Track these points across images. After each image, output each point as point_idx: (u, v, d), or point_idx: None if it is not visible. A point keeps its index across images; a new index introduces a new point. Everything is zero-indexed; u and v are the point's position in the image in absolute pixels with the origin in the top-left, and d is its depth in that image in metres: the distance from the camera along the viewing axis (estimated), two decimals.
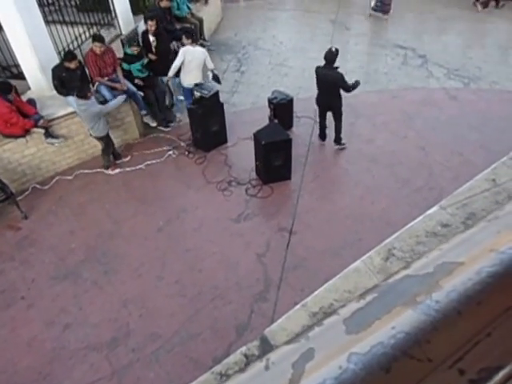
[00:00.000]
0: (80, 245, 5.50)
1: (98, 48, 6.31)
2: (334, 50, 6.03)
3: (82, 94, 5.85)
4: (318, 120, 6.84)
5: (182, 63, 6.86)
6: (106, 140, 6.35)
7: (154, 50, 7.05)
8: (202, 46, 9.34)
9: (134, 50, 6.78)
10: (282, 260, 5.11)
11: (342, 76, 6.01)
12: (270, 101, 6.91)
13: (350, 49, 9.41)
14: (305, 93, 8.03)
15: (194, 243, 5.40)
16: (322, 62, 6.11)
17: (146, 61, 6.97)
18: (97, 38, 6.36)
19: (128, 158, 6.84)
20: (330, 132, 6.80)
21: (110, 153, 6.60)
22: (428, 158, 6.52)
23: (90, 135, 6.42)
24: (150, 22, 6.93)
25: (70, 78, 6.10)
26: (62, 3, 7.66)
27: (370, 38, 9.92)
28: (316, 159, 6.61)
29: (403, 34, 10.12)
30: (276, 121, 6.72)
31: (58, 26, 6.95)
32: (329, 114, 6.60)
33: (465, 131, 7.02)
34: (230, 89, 8.31)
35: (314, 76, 6.32)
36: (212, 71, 7.07)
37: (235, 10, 11.67)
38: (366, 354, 0.56)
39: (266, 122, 6.83)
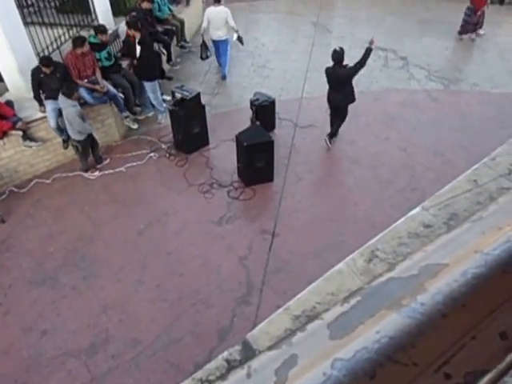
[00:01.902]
0: (58, 249, 5.38)
1: (85, 49, 6.24)
2: (338, 49, 6.11)
3: (69, 93, 5.75)
4: (329, 119, 6.88)
5: (208, 21, 8.04)
6: (83, 144, 6.23)
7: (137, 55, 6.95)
8: (183, 47, 9.34)
9: (100, 38, 6.62)
10: (264, 263, 5.09)
11: (350, 69, 6.13)
12: (251, 102, 6.90)
13: (332, 51, 9.46)
14: (287, 95, 8.07)
15: (175, 246, 5.34)
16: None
17: (111, 50, 6.92)
18: (78, 43, 6.23)
19: (108, 161, 6.74)
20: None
21: (87, 157, 6.48)
22: (410, 159, 6.60)
23: (64, 141, 6.39)
24: (130, 32, 6.82)
25: (48, 80, 5.99)
26: (41, 5, 7.51)
27: (351, 40, 10.01)
28: (298, 161, 6.62)
29: (383, 36, 10.24)
30: (258, 123, 6.72)
31: (38, 28, 6.81)
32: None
33: (446, 132, 7.13)
34: (211, 90, 8.28)
35: (325, 76, 6.42)
36: (237, 32, 8.23)
37: None
38: (350, 359, 0.54)
39: (248, 123, 6.81)
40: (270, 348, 0.59)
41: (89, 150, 6.42)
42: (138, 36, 6.80)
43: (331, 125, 6.83)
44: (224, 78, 8.66)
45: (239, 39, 8.39)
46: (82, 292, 4.87)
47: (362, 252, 2.03)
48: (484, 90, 8.28)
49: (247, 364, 0.58)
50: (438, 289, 0.60)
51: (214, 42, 8.36)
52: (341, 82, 6.26)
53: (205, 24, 8.14)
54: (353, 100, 6.47)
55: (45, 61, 5.95)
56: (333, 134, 6.80)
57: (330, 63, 6.28)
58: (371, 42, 6.08)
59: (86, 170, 6.51)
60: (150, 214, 5.80)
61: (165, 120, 7.37)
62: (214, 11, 8.03)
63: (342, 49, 6.13)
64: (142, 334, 4.40)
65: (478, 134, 6.97)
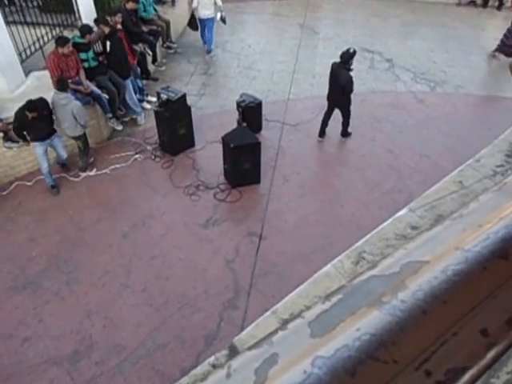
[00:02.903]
0: (41, 253, 5.28)
1: (66, 50, 6.14)
2: (351, 50, 6.22)
3: (63, 86, 5.69)
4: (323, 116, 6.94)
5: (198, 1, 8.95)
6: (84, 138, 6.20)
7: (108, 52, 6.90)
8: (169, 48, 9.32)
9: (85, 39, 6.56)
10: (251, 266, 5.07)
11: (349, 80, 6.19)
12: (238, 104, 6.89)
13: (319, 53, 9.52)
14: (274, 96, 8.08)
15: (160, 250, 5.28)
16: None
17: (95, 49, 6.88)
18: (61, 43, 6.13)
19: (92, 160, 6.65)
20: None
21: (89, 152, 6.43)
22: (397, 160, 6.65)
23: (53, 186, 6.16)
24: (102, 27, 6.81)
25: (35, 122, 5.59)
26: (23, 3, 7.41)
27: (338, 42, 10.08)
28: (285, 163, 6.63)
29: (369, 38, 10.34)
30: (245, 124, 6.71)
31: (20, 27, 6.72)
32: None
33: (432, 134, 7.21)
34: (197, 92, 8.25)
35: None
36: (221, 12, 9.21)
37: None
38: (331, 357, 0.53)
39: (235, 125, 6.80)
40: (250, 347, 0.58)
41: (88, 145, 6.41)
42: (106, 30, 6.77)
43: (322, 123, 6.86)
44: (209, 51, 9.47)
45: (222, 19, 9.32)
46: (64, 297, 4.77)
47: (349, 254, 2.03)
48: (469, 92, 8.41)
49: (227, 364, 0.57)
50: (418, 286, 0.59)
51: (201, 20, 9.19)
52: (336, 83, 6.34)
53: (195, 4, 9.06)
54: (347, 103, 6.54)
55: (32, 106, 5.48)
56: (344, 134, 6.96)
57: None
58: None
59: (85, 169, 6.44)
60: (134, 217, 5.74)
61: (148, 121, 7.30)
62: None
63: (354, 51, 6.24)
64: (127, 340, 4.33)
65: (463, 135, 7.08)
